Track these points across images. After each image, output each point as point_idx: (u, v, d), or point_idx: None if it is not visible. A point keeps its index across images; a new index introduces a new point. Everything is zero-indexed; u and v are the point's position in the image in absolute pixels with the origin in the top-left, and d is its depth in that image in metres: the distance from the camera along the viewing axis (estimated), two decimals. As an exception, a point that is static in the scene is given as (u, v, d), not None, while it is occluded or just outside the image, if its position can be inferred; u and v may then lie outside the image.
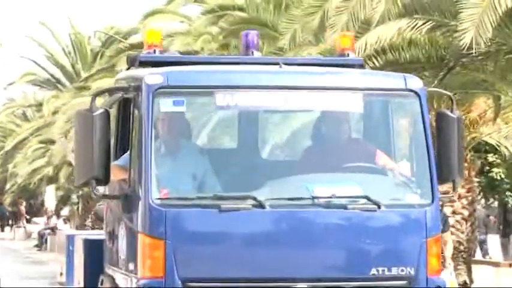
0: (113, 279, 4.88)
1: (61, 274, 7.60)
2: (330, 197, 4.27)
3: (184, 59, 6.06)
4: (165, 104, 4.32)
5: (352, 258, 4.30)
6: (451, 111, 4.64)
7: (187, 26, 21.04)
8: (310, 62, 5.95)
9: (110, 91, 5.10)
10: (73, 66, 31.50)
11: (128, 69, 5.48)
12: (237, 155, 5.12)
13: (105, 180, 4.34)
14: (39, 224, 32.10)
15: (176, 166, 4.52)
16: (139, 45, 21.27)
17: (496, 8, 10.51)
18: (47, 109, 28.86)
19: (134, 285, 4.19)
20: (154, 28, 5.55)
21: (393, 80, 4.90)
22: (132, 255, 4.32)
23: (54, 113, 26.06)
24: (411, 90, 4.56)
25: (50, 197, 31.88)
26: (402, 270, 4.25)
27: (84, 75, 26.93)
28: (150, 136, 4.20)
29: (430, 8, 12.87)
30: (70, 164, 24.94)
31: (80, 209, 32.06)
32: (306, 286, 4.16)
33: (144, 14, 21.90)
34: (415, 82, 4.68)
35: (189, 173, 4.45)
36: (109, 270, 5.05)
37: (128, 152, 4.64)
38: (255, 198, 4.12)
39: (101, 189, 4.60)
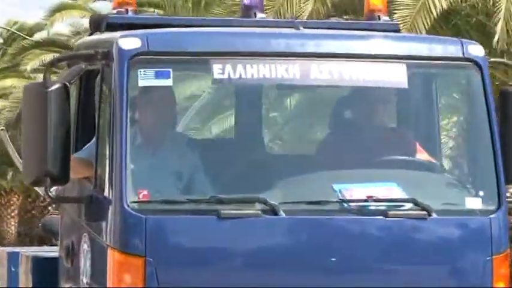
0: None
1: None
2: (365, 201, 3.45)
3: (167, 21, 5.03)
4: (145, 76, 3.39)
5: (396, 281, 3.47)
6: None
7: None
8: (334, 26, 4.72)
9: (70, 60, 4.14)
10: None
11: (90, 34, 4.41)
12: (240, 145, 4.17)
13: (63, 177, 3.40)
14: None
15: (159, 159, 3.59)
16: (46, 43, 20.38)
17: (430, 9, 10.70)
18: None
19: None
20: None
21: (448, 46, 3.87)
22: (99, 277, 3.49)
23: None
24: (471, 60, 3.67)
25: None
26: None
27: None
28: (125, 119, 3.32)
29: (362, 8, 12.21)
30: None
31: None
32: None
33: (50, 8, 20.52)
34: (476, 49, 3.76)
35: (177, 168, 3.58)
36: None
37: (94, 141, 3.74)
38: (265, 202, 3.29)
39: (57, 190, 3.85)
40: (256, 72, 3.41)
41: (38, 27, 24.08)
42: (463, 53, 3.64)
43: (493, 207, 3.48)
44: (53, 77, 3.65)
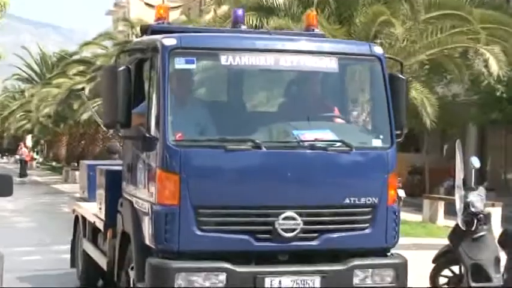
0: (131, 202, 5.32)
1: (83, 192, 8.13)
2: (312, 141, 4.82)
3: (189, 29, 7.29)
4: (178, 62, 4.73)
5: (330, 190, 4.89)
6: (401, 74, 5.41)
7: (105, 52, 29.98)
8: (293, 34, 6.65)
9: (130, 52, 5.73)
10: (41, 71, 50.98)
11: (140, 36, 6.13)
12: (237, 106, 5.45)
13: (126, 124, 4.84)
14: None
15: (187, 114, 4.99)
16: (78, 61, 33.82)
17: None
18: (27, 94, 46.46)
19: (153, 211, 4.61)
20: (163, 4, 5.52)
21: (361, 46, 5.62)
22: (150, 186, 4.80)
23: (31, 96, 41.57)
24: (375, 55, 5.16)
25: (28, 141, 49.88)
26: (369, 200, 4.86)
27: (47, 76, 42.34)
28: (167, 89, 4.60)
29: (280, 9, 13.91)
30: (41, 123, 38.98)
31: (45, 147, 53.21)
32: (293, 212, 4.61)
33: (81, 44, 33.60)
34: (378, 49, 5.36)
35: (198, 119, 4.94)
36: (127, 195, 5.51)
37: (145, 103, 5.04)
38: (253, 141, 4.66)
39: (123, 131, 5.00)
40: (246, 60, 4.88)
41: (75, 53, 38.37)
42: (371, 51, 5.22)
43: (388, 145, 4.99)
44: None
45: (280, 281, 4.58)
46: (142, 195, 4.98)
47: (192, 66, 4.94)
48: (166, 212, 4.51)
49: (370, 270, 4.82)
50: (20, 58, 53.23)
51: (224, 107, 5.46)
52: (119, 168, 6.18)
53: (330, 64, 5.03)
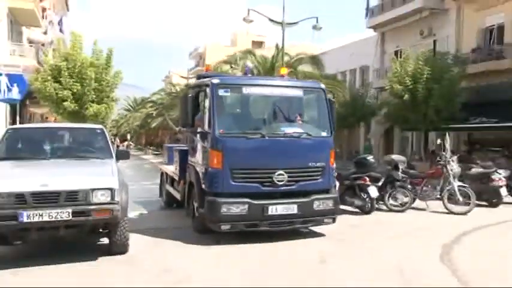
0: (193, 167, 9.03)
1: (164, 160, 13.45)
2: (292, 133, 8.51)
3: (222, 75, 11.14)
4: (220, 92, 8.26)
5: (302, 159, 8.39)
6: (333, 98, 10.35)
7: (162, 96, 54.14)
8: (279, 79, 9.93)
9: (194, 86, 9.65)
10: (133, 107, 70.33)
11: (197, 79, 10.16)
12: (251, 115, 9.11)
13: (193, 125, 8.81)
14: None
15: (225, 119, 8.34)
16: (150, 101, 63.87)
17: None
18: (128, 115, 68.41)
19: (208, 171, 8.12)
20: (208, 65, 13.78)
21: (315, 84, 9.83)
22: (205, 158, 8.33)
23: (129, 117, 66.82)
24: (322, 89, 9.12)
25: (128, 137, 66.91)
26: (321, 163, 8.52)
27: (136, 107, 66.17)
28: (215, 106, 8.11)
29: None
30: (133, 129, 62.42)
31: (133, 140, 70.51)
32: (282, 171, 8.12)
33: (150, 94, 64.37)
34: (322, 85, 9.38)
35: (231, 122, 8.47)
36: (191, 163, 9.29)
37: (201, 114, 8.73)
38: (261, 133, 8.26)
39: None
40: (255, 90, 8.78)
41: (147, 98, 59.61)
42: (319, 85, 9.35)
43: (329, 135, 8.81)
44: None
45: (276, 208, 8.07)
46: (200, 163, 8.55)
47: (228, 94, 8.45)
48: (216, 172, 7.95)
49: (322, 200, 8.46)
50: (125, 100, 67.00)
51: (243, 115, 8.96)
52: (185, 148, 10.34)
53: (298, 92, 9.13)
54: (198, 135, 8.79)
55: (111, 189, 6.52)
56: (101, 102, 22.21)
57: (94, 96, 21.84)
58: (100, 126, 9.42)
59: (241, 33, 65.40)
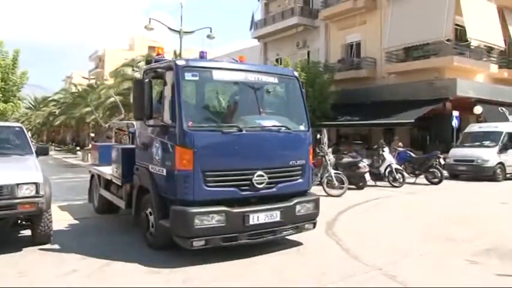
0: (146, 169, 6.50)
1: (95, 160, 10.12)
2: (270, 126, 6.43)
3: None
4: (188, 75, 5.93)
5: (282, 157, 6.37)
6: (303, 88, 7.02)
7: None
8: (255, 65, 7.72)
9: (151, 70, 6.63)
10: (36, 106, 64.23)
11: (148, 63, 7.23)
12: (224, 104, 6.83)
13: (150, 117, 6.17)
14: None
15: (194, 110, 6.17)
16: (53, 100, 62.08)
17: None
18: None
19: (174, 174, 5.69)
20: (160, 46, 8.46)
21: (288, 71, 7.33)
22: (168, 157, 5.89)
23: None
24: (295, 77, 7.01)
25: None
26: (301, 161, 6.53)
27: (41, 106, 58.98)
28: (181, 93, 5.77)
29: None
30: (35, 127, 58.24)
31: (35, 137, 59.98)
32: (262, 172, 6.01)
33: (53, 93, 57.58)
34: (295, 73, 7.22)
35: (201, 114, 6.25)
36: (142, 165, 6.72)
37: (163, 103, 6.21)
38: (238, 126, 6.04)
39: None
40: (227, 76, 6.44)
41: (49, 97, 52.85)
42: (292, 73, 7.11)
43: (307, 129, 6.76)
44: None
45: (258, 217, 5.92)
46: (159, 164, 6.11)
47: (196, 79, 6.07)
48: (185, 175, 5.62)
49: (303, 204, 6.47)
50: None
51: (214, 106, 6.71)
52: (130, 147, 7.87)
53: (273, 80, 6.78)
54: (153, 130, 6.32)
55: (36, 184, 6.15)
56: (7, 101, 20.71)
57: (0, 95, 20.35)
58: (19, 124, 8.85)
59: (138, 38, 63.62)
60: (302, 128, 6.73)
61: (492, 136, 18.24)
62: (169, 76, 6.05)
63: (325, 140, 13.48)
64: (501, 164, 17.45)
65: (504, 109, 24.32)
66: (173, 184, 5.75)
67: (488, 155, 17.39)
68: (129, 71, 26.75)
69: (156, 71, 6.47)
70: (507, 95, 25.18)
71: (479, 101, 22.86)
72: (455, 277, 5.40)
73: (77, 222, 8.75)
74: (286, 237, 6.62)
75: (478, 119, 22.96)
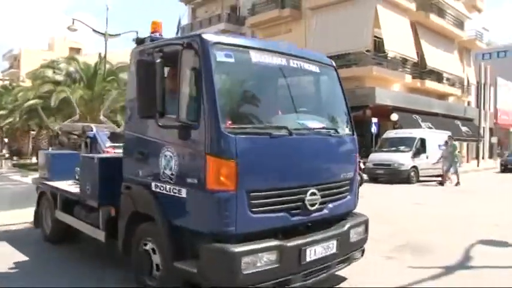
0: (146, 187, 4.60)
1: (44, 174, 7.59)
2: (320, 129, 4.91)
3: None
4: (220, 56, 4.16)
5: (334, 168, 4.97)
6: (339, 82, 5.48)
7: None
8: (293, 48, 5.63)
9: (162, 49, 4.47)
10: None
11: (139, 44, 5.10)
12: (264, 97, 4.82)
13: (163, 114, 4.22)
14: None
15: (230, 104, 4.41)
16: None
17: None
18: None
19: (207, 197, 3.94)
20: (156, 20, 5.36)
21: (327, 59, 5.51)
22: (192, 171, 4.12)
23: None
24: (334, 66, 5.49)
25: None
26: (349, 174, 5.13)
27: None
28: (214, 80, 4.02)
29: None
30: None
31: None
32: (315, 189, 4.51)
33: None
34: (333, 63, 5.59)
35: (240, 109, 4.53)
36: (139, 180, 4.76)
37: (181, 93, 4.11)
38: (287, 128, 4.39)
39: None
40: (270, 59, 4.61)
41: None
42: (331, 62, 5.52)
43: (352, 133, 5.32)
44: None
45: (315, 250, 4.42)
46: (175, 180, 4.28)
47: (231, 60, 4.26)
48: (224, 198, 3.91)
49: (356, 228, 5.04)
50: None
51: (253, 99, 4.79)
52: (114, 156, 6.09)
53: (315, 68, 5.18)
54: (160, 133, 4.45)
55: None
56: None
57: None
58: None
59: (59, 39, 60.78)
60: (347, 131, 5.35)
61: (407, 142, 19.59)
62: (188, 56, 4.16)
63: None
64: (415, 168, 18.83)
65: (417, 116, 26.19)
66: (202, 211, 4.05)
67: (403, 159, 18.65)
68: (49, 72, 25.52)
69: (167, 49, 4.44)
70: (420, 104, 27.21)
71: (396, 109, 24.50)
72: (375, 272, 5.86)
73: (23, 258, 6.45)
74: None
75: (395, 125, 24.57)
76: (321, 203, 4.61)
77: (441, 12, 31.23)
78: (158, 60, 4.21)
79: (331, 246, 4.62)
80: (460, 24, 34.07)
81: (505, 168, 27.63)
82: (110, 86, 23.38)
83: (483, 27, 40.87)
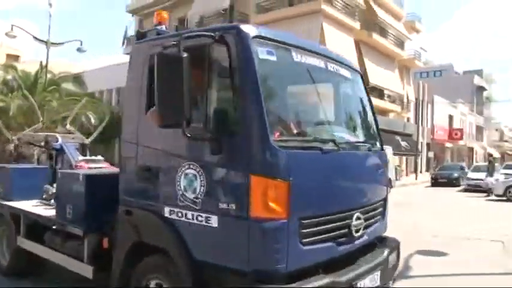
0: (156, 213, 3.73)
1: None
2: (362, 143, 4.42)
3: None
4: (262, 52, 3.42)
5: (375, 188, 4.45)
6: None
7: None
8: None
9: (190, 40, 3.47)
10: None
11: (139, 39, 4.34)
12: (305, 104, 4.27)
13: (190, 121, 3.33)
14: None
15: (277, 110, 3.64)
16: None
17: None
18: None
19: (249, 225, 3.15)
20: (160, 11, 4.63)
21: (353, 64, 4.90)
22: (228, 195, 3.30)
23: None
24: (361, 75, 4.91)
25: None
26: (384, 193, 4.64)
27: None
28: (257, 80, 3.26)
29: None
30: None
31: None
32: (359, 212, 3.90)
33: None
34: (358, 67, 5.13)
35: (286, 118, 3.79)
36: (144, 204, 3.86)
37: (210, 97, 3.43)
38: (334, 142, 3.80)
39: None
40: (311, 60, 3.94)
41: None
42: (359, 70, 4.90)
43: (381, 148, 4.73)
44: None
45: (364, 284, 3.76)
46: (200, 206, 3.43)
47: (273, 59, 3.53)
48: (274, 228, 3.15)
49: (393, 254, 4.44)
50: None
51: (298, 105, 4.24)
52: (101, 172, 5.44)
53: (348, 74, 4.55)
54: (186, 144, 3.60)
55: None
56: None
57: None
58: None
59: (-5, 46, 58.05)
60: (378, 145, 4.77)
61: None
62: (221, 52, 3.43)
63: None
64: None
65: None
66: (241, 244, 3.23)
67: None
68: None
69: (191, 43, 3.47)
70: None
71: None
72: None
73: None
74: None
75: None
76: (364, 228, 3.99)
77: (383, 32, 32.54)
78: (185, 55, 3.29)
79: (376, 278, 4.01)
80: (400, 44, 35.61)
81: (435, 182, 29.21)
82: (51, 97, 22.48)
83: (421, 47, 43.18)
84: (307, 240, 3.40)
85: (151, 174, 3.88)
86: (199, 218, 3.46)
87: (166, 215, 3.71)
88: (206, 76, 3.45)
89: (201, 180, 3.47)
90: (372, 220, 4.29)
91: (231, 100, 3.38)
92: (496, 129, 77.74)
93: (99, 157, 8.60)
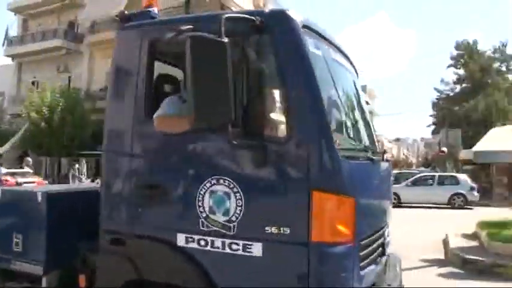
0: (166, 242, 2.87)
1: None
2: (382, 152, 3.92)
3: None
4: (311, 42, 2.85)
5: (391, 201, 4.05)
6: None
7: None
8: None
9: (230, 23, 2.61)
10: None
11: (128, 21, 3.32)
12: (340, 106, 3.27)
13: (235, 123, 2.61)
14: None
15: (332, 112, 2.99)
16: None
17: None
18: None
19: (310, 251, 2.55)
20: None
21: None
22: (279, 216, 2.62)
23: None
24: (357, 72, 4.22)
25: None
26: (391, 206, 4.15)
27: None
28: (315, 78, 2.69)
29: None
30: None
31: None
32: (387, 228, 3.48)
33: None
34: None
35: (339, 120, 3.16)
36: (144, 232, 2.97)
37: (259, 94, 2.81)
38: (372, 149, 3.48)
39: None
40: (339, 57, 3.38)
41: None
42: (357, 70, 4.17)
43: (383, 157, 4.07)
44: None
45: None
46: (233, 232, 2.70)
47: (319, 53, 2.97)
48: (342, 253, 2.61)
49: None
50: None
51: (342, 108, 3.33)
52: (67, 189, 4.43)
53: (355, 74, 4.01)
54: (214, 153, 2.86)
55: None
56: None
57: None
58: None
59: None
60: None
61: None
62: (264, 40, 2.81)
63: (84, 170, 13.47)
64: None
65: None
66: (298, 275, 2.62)
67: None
68: None
69: (230, 27, 2.64)
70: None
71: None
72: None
73: None
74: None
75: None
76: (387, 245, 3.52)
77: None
78: (226, 40, 2.54)
79: None
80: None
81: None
82: None
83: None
84: (363, 263, 2.85)
85: (155, 193, 3.00)
86: (234, 247, 2.72)
87: (181, 244, 2.86)
88: (244, 68, 2.82)
89: (236, 199, 2.71)
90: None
91: (278, 99, 2.78)
92: (378, 141, 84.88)
93: (27, 169, 7.95)
